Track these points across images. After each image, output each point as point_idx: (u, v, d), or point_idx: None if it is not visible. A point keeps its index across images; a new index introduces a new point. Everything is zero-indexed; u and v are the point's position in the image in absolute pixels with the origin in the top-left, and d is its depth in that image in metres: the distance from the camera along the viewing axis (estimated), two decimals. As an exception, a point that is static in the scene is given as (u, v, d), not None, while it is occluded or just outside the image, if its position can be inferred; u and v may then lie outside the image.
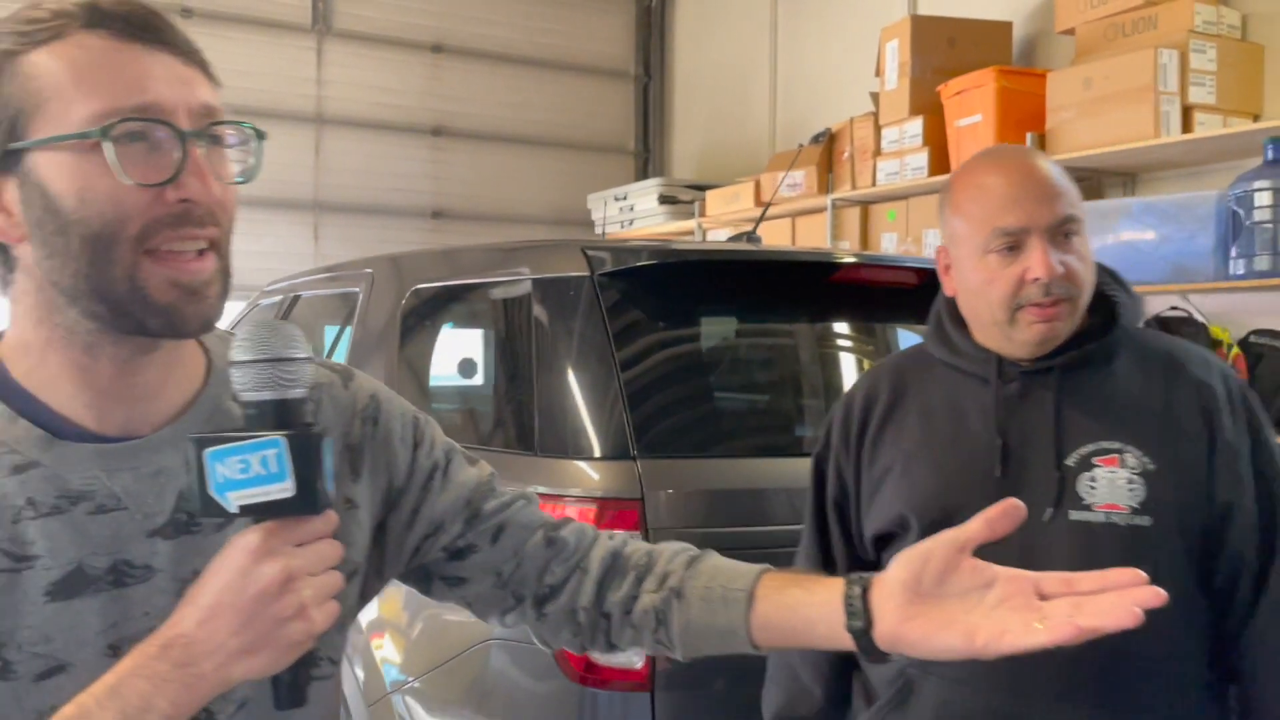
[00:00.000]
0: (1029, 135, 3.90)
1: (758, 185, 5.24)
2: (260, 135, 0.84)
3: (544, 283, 2.05)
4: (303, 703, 0.78)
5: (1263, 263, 3.27)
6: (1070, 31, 4.00)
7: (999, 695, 1.25)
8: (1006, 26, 4.49)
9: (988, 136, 4.07)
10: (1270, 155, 3.27)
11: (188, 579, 0.80)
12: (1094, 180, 4.16)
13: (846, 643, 0.86)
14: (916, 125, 4.38)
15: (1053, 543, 1.25)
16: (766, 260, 2.26)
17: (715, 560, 0.99)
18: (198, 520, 0.83)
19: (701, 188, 5.92)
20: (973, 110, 4.15)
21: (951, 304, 1.39)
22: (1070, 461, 1.27)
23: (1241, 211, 3.31)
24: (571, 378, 1.94)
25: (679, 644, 0.97)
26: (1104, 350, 1.31)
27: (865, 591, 0.85)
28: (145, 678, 0.72)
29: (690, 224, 5.78)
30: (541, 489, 1.86)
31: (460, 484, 1.01)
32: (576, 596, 1.00)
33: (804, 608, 0.89)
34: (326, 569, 0.76)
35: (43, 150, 0.77)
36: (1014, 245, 1.26)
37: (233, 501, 0.73)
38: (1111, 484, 1.25)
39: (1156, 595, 0.73)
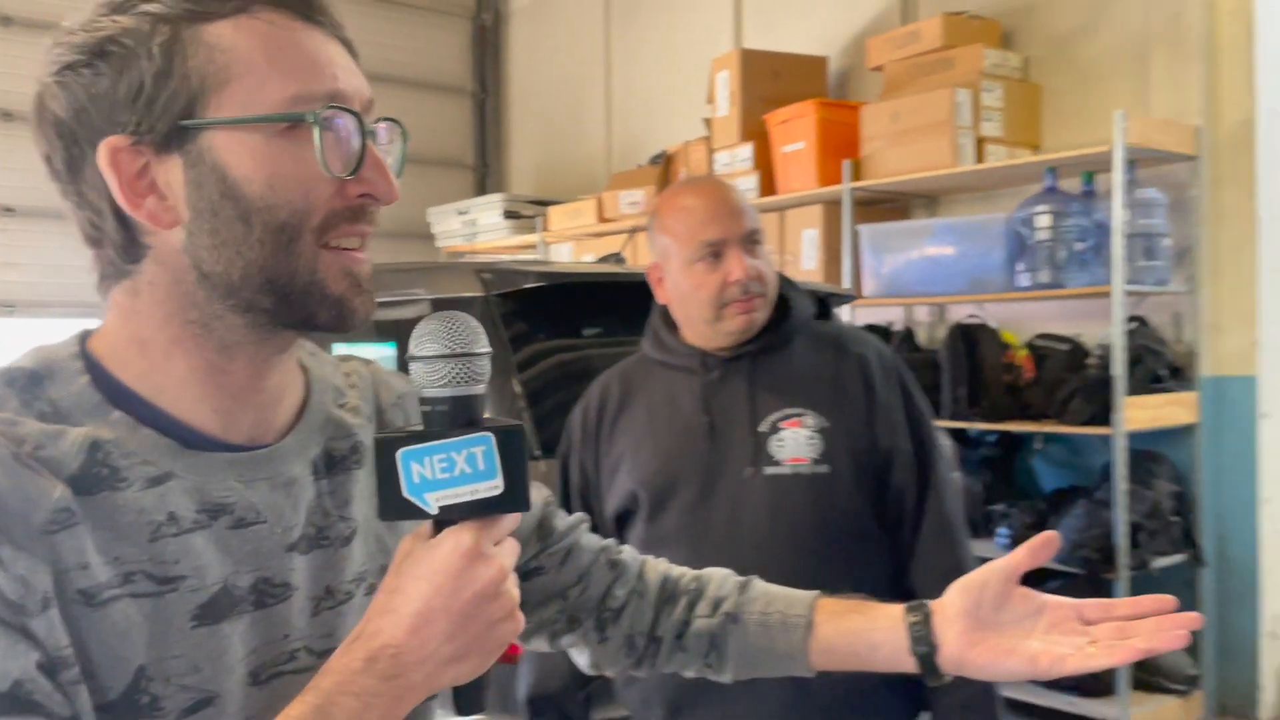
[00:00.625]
0: (846, 162, 4.32)
1: (600, 202, 5.51)
2: (406, 136, 0.82)
3: (441, 303, 2.25)
4: (483, 708, 0.75)
5: (1044, 276, 3.77)
6: (880, 69, 4.46)
7: None
8: (823, 61, 4.93)
9: (810, 162, 4.49)
10: (1048, 183, 3.78)
11: (320, 596, 0.78)
12: (902, 202, 4.64)
13: (909, 666, 0.91)
14: (747, 150, 4.75)
15: (754, 494, 1.51)
16: (637, 280, 2.52)
17: (765, 586, 1.02)
18: (326, 534, 0.79)
19: (543, 203, 6.14)
20: (796, 138, 4.56)
21: (664, 312, 1.65)
22: (762, 428, 1.52)
23: (1025, 232, 3.81)
24: (473, 388, 2.16)
25: (732, 667, 1.00)
26: (783, 337, 1.59)
27: (928, 618, 0.91)
28: (353, 694, 0.66)
29: (533, 238, 5.99)
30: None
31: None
32: (636, 620, 1.01)
33: (866, 633, 0.94)
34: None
35: (226, 130, 0.71)
36: (716, 254, 1.53)
37: (433, 503, 0.70)
38: (796, 442, 1.51)
39: (1193, 620, 0.81)
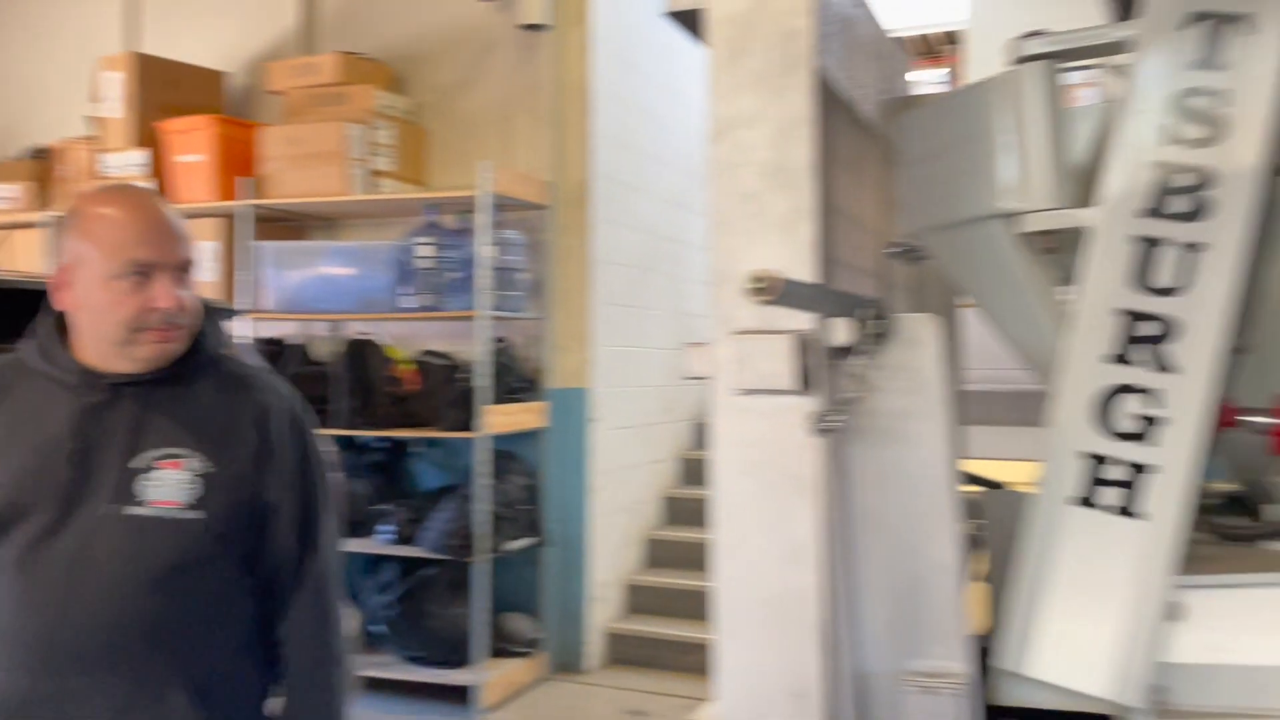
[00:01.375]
0: (246, 179, 4.44)
1: (-42, 193, 4.94)
2: None
3: None
4: None
5: (426, 299, 4.25)
6: (280, 93, 4.65)
7: (36, 676, 1.38)
8: (220, 76, 4.97)
9: (209, 175, 4.53)
10: (429, 218, 4.28)
11: None
12: (300, 223, 4.87)
13: None
14: (140, 156, 4.63)
15: (110, 533, 1.39)
16: (15, 287, 2.46)
17: None
18: None
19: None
20: (194, 149, 4.57)
21: (58, 319, 1.48)
22: (137, 464, 1.41)
23: (410, 259, 4.27)
24: None
25: None
26: (185, 370, 1.49)
27: None
28: None
29: None
30: None
31: None
32: None
33: None
34: None
35: None
36: (143, 275, 1.41)
37: None
38: (172, 484, 1.42)
39: None
